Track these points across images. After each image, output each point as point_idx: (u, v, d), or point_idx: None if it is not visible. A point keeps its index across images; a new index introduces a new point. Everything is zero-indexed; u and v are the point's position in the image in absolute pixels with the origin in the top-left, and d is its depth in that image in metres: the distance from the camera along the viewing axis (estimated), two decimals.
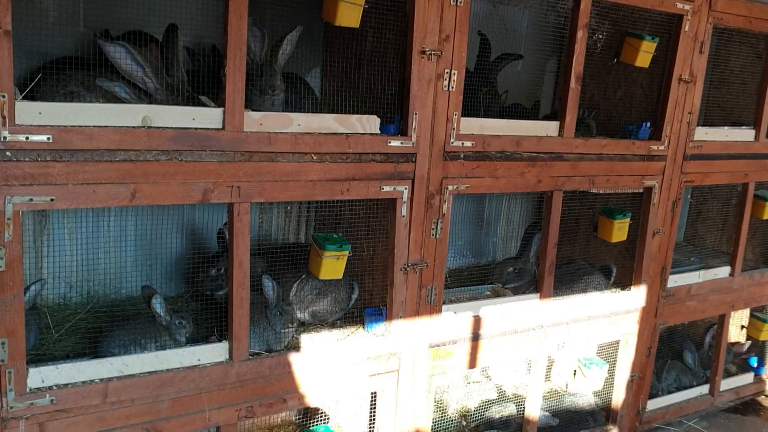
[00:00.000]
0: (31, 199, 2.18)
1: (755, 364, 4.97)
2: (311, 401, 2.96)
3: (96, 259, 3.08)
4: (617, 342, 4.08)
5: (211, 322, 2.92)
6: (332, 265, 2.90)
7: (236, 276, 2.63)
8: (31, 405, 2.30)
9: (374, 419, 3.25)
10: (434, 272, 3.14)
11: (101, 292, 3.18)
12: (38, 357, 2.57)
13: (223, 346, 2.69)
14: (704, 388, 4.64)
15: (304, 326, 3.17)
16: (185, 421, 2.63)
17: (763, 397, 5.10)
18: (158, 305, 2.72)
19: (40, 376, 2.33)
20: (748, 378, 4.91)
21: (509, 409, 4.00)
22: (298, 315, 3.10)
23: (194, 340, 2.80)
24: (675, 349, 4.69)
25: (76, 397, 2.38)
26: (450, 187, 3.05)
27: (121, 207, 3.10)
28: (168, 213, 3.23)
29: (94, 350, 2.65)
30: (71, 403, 2.37)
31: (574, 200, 3.68)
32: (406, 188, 2.93)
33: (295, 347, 2.96)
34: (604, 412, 4.23)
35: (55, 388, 2.35)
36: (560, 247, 3.56)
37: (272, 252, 3.19)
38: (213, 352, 2.67)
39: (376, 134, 2.82)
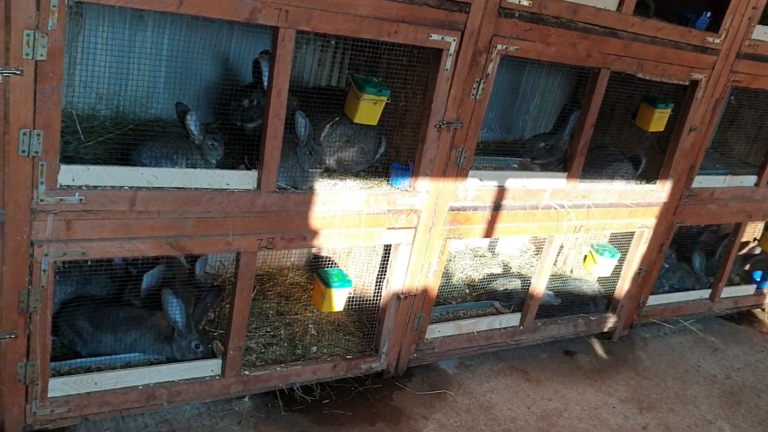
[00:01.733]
0: None
1: (758, 278, 5.02)
2: (328, 243, 2.99)
3: (128, 74, 3.01)
4: (632, 234, 4.09)
5: (239, 153, 2.90)
6: (369, 110, 2.84)
7: (273, 105, 2.57)
8: (60, 201, 2.31)
9: (384, 271, 3.30)
10: (468, 134, 3.08)
11: (130, 108, 3.14)
12: (69, 158, 2.56)
13: (252, 174, 2.67)
14: (705, 293, 4.71)
15: (329, 172, 3.15)
16: (208, 241, 2.66)
17: (759, 310, 5.20)
18: (192, 122, 2.68)
19: (71, 174, 2.32)
20: (749, 289, 4.98)
21: (513, 284, 4.07)
22: (325, 160, 3.07)
23: (222, 167, 2.78)
24: (684, 251, 4.72)
25: (104, 200, 2.39)
26: (499, 47, 2.94)
27: (158, 20, 2.99)
28: (205, 35, 3.12)
29: (121, 162, 2.64)
30: (99, 206, 2.38)
31: (616, 83, 3.56)
32: (454, 40, 2.82)
33: (322, 188, 2.95)
34: (605, 300, 4.31)
35: (84, 188, 2.35)
36: (594, 130, 3.49)
37: (306, 91, 3.12)
38: (242, 179, 2.66)
39: None
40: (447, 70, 2.88)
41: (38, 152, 2.20)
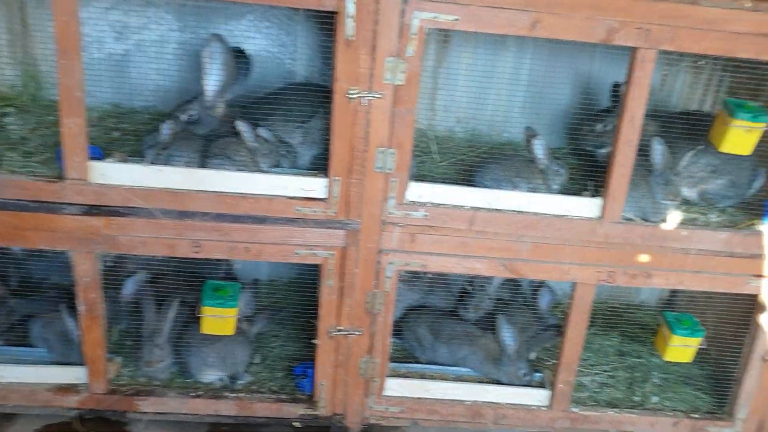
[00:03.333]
0: (436, 17, 2.21)
1: None
2: (679, 284, 2.69)
3: (486, 97, 3.10)
4: None
5: (586, 179, 2.77)
6: (740, 138, 2.48)
7: (625, 131, 2.40)
8: (407, 215, 2.47)
9: (749, 324, 2.84)
10: None
11: (485, 131, 3.23)
12: (418, 177, 2.73)
13: (596, 202, 2.53)
14: None
15: (688, 204, 2.83)
16: (543, 267, 2.60)
17: None
18: (539, 147, 2.65)
19: (418, 191, 2.47)
20: None
21: None
22: (684, 191, 2.77)
23: (565, 192, 2.70)
24: None
25: (446, 217, 2.49)
26: None
27: (518, 45, 3.03)
28: (565, 58, 3.07)
29: (468, 182, 2.72)
30: (440, 222, 2.49)
31: None
32: None
33: (675, 222, 2.67)
34: None
35: (429, 205, 2.48)
36: None
37: (668, 115, 2.85)
38: (584, 207, 2.54)
39: None
40: None
41: (391, 169, 2.39)
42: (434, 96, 3.14)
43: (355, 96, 2.27)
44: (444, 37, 3.01)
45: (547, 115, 3.21)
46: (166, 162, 2.40)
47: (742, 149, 2.52)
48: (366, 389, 2.74)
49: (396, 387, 2.77)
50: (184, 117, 2.55)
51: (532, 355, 3.11)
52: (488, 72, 3.09)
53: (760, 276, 2.67)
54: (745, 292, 2.76)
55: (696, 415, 2.94)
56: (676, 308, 3.43)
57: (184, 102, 2.63)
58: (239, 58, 2.63)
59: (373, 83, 2.27)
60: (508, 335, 2.82)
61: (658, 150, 2.63)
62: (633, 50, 2.31)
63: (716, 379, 3.12)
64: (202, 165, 2.44)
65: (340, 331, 2.61)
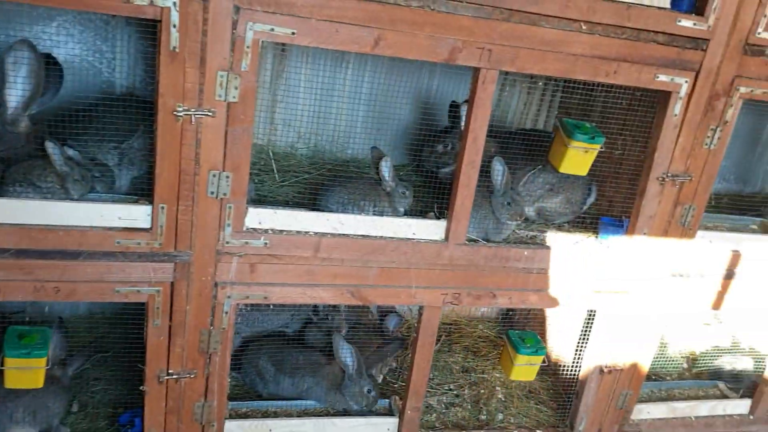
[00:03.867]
0: (272, 29, 2.02)
1: None
2: (523, 304, 2.68)
3: (327, 113, 2.95)
4: None
5: (430, 199, 2.70)
6: (578, 159, 2.51)
7: (468, 152, 2.34)
8: (246, 244, 2.25)
9: (587, 338, 2.91)
10: (697, 190, 2.63)
11: (327, 148, 3.09)
12: (258, 199, 2.53)
13: (441, 224, 2.46)
14: None
15: (527, 223, 2.86)
16: (390, 292, 2.49)
17: None
18: (386, 169, 2.55)
19: (258, 217, 2.26)
20: None
21: (744, 363, 3.45)
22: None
23: (411, 213, 2.61)
24: None
25: (289, 245, 2.30)
26: (742, 89, 2.47)
27: (359, 60, 2.92)
28: (405, 75, 3.00)
29: (312, 203, 2.56)
30: (283, 251, 2.30)
31: None
32: (686, 81, 2.41)
33: (515, 242, 2.66)
34: None
35: (270, 232, 2.28)
36: None
37: (507, 134, 2.86)
38: (429, 229, 2.46)
39: (664, 8, 2.30)
40: (675, 115, 2.47)
41: (226, 194, 2.16)
42: (273, 110, 2.94)
43: (182, 114, 2.02)
44: (281, 48, 2.83)
45: (390, 132, 3.12)
46: None
47: (579, 169, 2.56)
48: None
49: (235, 429, 2.54)
50: None
51: (380, 377, 3.00)
52: (329, 86, 2.95)
53: (597, 292, 2.73)
54: (585, 308, 2.83)
55: (540, 430, 2.97)
56: (517, 321, 3.47)
57: None
58: (48, 65, 2.28)
59: (203, 100, 2.03)
60: (345, 353, 2.68)
61: (499, 170, 2.62)
62: (475, 70, 2.26)
63: (556, 392, 3.18)
64: (0, 193, 2.08)
65: (170, 374, 2.33)
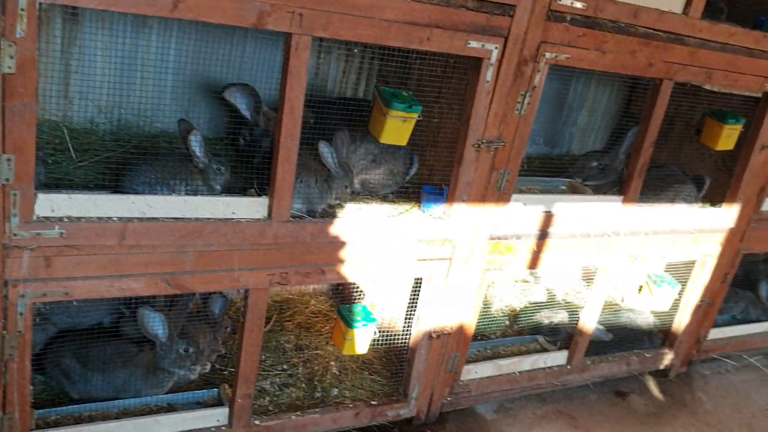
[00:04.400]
0: None
1: None
2: (351, 277, 2.63)
3: (130, 83, 2.69)
4: (693, 262, 3.65)
5: (250, 176, 2.56)
6: (397, 128, 2.48)
7: (286, 124, 2.22)
8: (38, 235, 1.99)
9: (415, 306, 2.94)
10: (510, 154, 2.70)
11: (133, 121, 2.82)
12: (53, 183, 2.25)
13: (263, 202, 2.33)
14: None
15: (352, 194, 2.80)
16: (211, 277, 2.33)
17: None
18: (196, 144, 2.36)
19: (50, 204, 2.01)
20: None
21: (560, 317, 3.67)
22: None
23: (229, 191, 2.45)
24: (749, 278, 4.25)
25: (90, 233, 2.07)
26: (548, 55, 2.55)
27: (163, 24, 2.68)
28: (216, 39, 2.80)
29: (115, 186, 2.32)
30: (83, 240, 2.06)
31: (678, 95, 3.14)
32: (496, 48, 2.44)
33: (342, 216, 2.60)
34: (661, 334, 3.87)
35: (66, 220, 2.03)
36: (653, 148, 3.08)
37: (327, 104, 2.77)
38: (250, 207, 2.32)
39: None
40: (488, 82, 2.50)
41: (9, 180, 1.89)
42: (67, 82, 2.64)
43: None
44: (72, 13, 2.53)
45: (204, 102, 2.92)
46: None
47: (399, 139, 2.53)
48: None
49: None
50: None
51: (207, 366, 2.83)
52: (131, 53, 2.68)
53: (422, 260, 2.74)
54: (410, 276, 2.84)
55: (375, 402, 2.97)
56: (349, 294, 3.44)
57: None
58: None
59: None
60: (154, 322, 2.51)
61: (327, 152, 2.54)
62: (287, 36, 2.13)
63: (390, 362, 3.19)
64: None
65: None
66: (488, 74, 2.49)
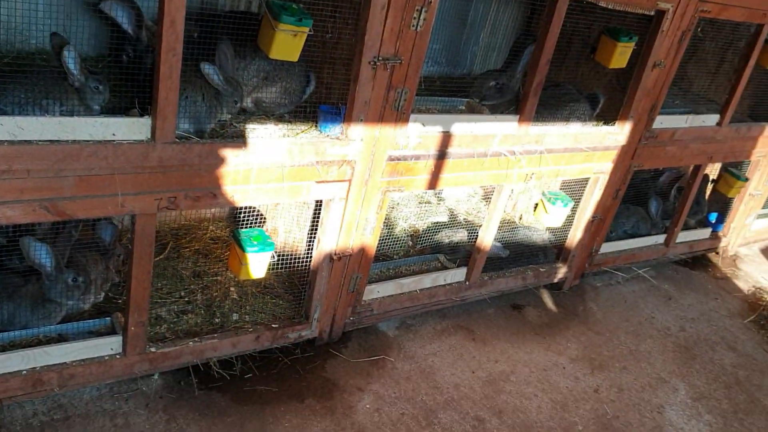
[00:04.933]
0: None
1: (714, 220, 4.81)
2: (246, 201, 2.57)
3: None
4: (586, 180, 3.77)
5: (133, 95, 2.41)
6: (288, 43, 2.38)
7: (166, 38, 2.09)
8: None
9: (315, 229, 2.91)
10: (408, 73, 2.66)
11: (5, 38, 2.59)
12: None
13: (145, 122, 2.21)
14: (660, 238, 4.48)
15: (245, 114, 2.70)
16: (93, 203, 2.22)
17: (714, 254, 5.01)
18: (70, 60, 2.18)
19: None
20: (704, 233, 4.77)
21: (460, 235, 3.74)
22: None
23: (111, 111, 2.30)
24: (638, 195, 4.44)
25: None
26: None
27: None
28: None
29: None
30: None
31: (575, 13, 3.15)
32: None
33: (233, 136, 2.51)
34: (555, 250, 4.02)
35: None
36: (549, 67, 3.10)
37: (213, 17, 2.62)
38: (132, 128, 2.20)
39: None
40: None
41: None
42: None
43: None
44: None
45: (84, 18, 2.70)
46: None
47: (290, 54, 2.43)
48: None
49: None
50: None
51: (101, 295, 2.73)
52: None
53: (321, 182, 2.69)
54: (309, 199, 2.79)
55: (276, 325, 2.96)
56: (249, 219, 3.37)
57: None
58: None
59: None
60: (40, 252, 2.40)
61: (211, 71, 2.40)
62: None
63: (291, 285, 3.18)
64: None
65: None
66: None
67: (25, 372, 2.39)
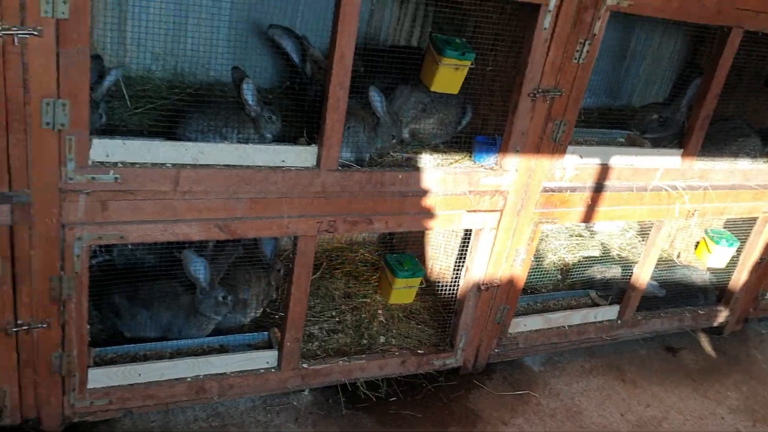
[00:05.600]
0: None
1: None
2: (400, 227, 2.63)
3: (185, 29, 2.69)
4: (754, 219, 3.52)
5: (302, 124, 2.55)
6: (449, 76, 2.43)
7: (336, 72, 2.20)
8: (93, 180, 2.04)
9: (464, 257, 2.92)
10: (567, 105, 2.62)
11: (188, 70, 2.84)
12: (110, 129, 2.29)
13: (312, 150, 2.33)
14: None
15: (401, 144, 2.78)
16: (262, 224, 2.36)
17: None
18: (248, 92, 2.36)
19: (105, 149, 2.05)
20: None
21: (613, 271, 3.61)
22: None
23: (281, 139, 2.46)
24: None
25: (144, 179, 2.11)
26: (609, 2, 2.44)
27: None
28: None
29: (169, 133, 2.35)
30: (137, 185, 2.11)
31: (747, 44, 2.97)
32: None
33: (391, 165, 2.59)
34: (717, 291, 3.78)
35: (120, 165, 2.08)
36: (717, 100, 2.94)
37: (378, 52, 2.73)
38: (300, 156, 2.33)
39: None
40: (545, 29, 2.42)
41: (64, 125, 1.93)
42: (124, 29, 2.66)
43: (1, 33, 1.75)
44: None
45: (259, 50, 2.90)
46: None
47: (451, 87, 2.49)
48: (64, 386, 2.31)
49: (100, 377, 2.39)
50: None
51: (260, 310, 2.89)
52: (186, 0, 2.68)
53: (472, 211, 2.71)
54: (460, 228, 2.81)
55: (421, 351, 2.99)
56: (397, 244, 3.45)
57: None
58: None
59: (26, 17, 1.77)
60: (197, 266, 2.56)
61: (377, 99, 2.50)
62: None
63: (437, 312, 3.20)
64: None
65: (20, 326, 2.13)
66: (546, 21, 2.41)
67: (189, 379, 2.56)
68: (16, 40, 1.77)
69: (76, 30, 1.83)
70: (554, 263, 3.76)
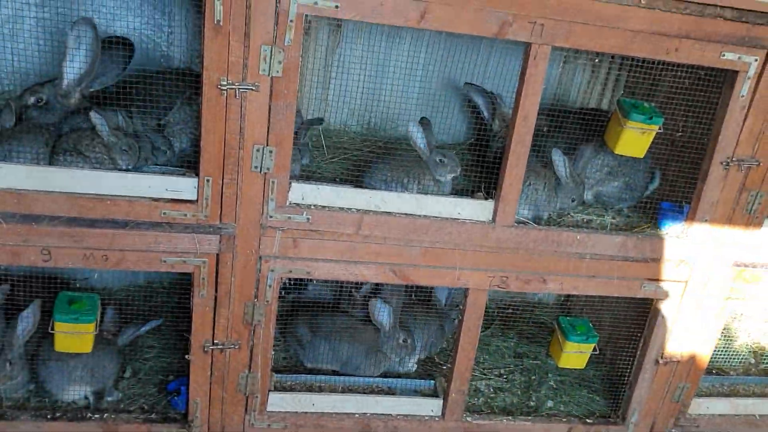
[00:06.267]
0: (315, 3, 2.00)
1: None
2: (575, 290, 2.60)
3: (381, 89, 2.92)
4: None
5: (481, 178, 2.64)
6: (634, 139, 2.40)
7: (518, 130, 2.27)
8: (289, 219, 2.27)
9: (642, 327, 2.80)
10: (765, 176, 2.47)
11: (380, 125, 3.06)
12: (306, 175, 2.53)
13: (488, 205, 2.40)
14: None
15: (583, 205, 2.76)
16: (433, 273, 2.46)
17: None
18: (418, 135, 2.44)
19: (301, 192, 2.27)
20: None
21: None
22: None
23: (458, 192, 2.56)
24: None
25: (331, 221, 2.30)
26: None
27: (415, 34, 2.87)
28: (463, 48, 2.93)
29: (356, 181, 2.55)
30: (325, 226, 2.31)
31: None
32: (755, 60, 2.26)
33: (569, 225, 2.58)
34: None
35: (312, 207, 2.29)
36: None
37: (563, 113, 2.76)
38: (476, 209, 2.41)
39: None
40: (743, 96, 2.32)
41: (270, 169, 2.18)
42: (327, 86, 2.94)
43: (226, 87, 2.04)
44: (336, 24, 2.81)
45: (446, 109, 3.06)
46: (7, 157, 2.11)
47: (636, 151, 2.45)
48: (246, 406, 2.53)
49: (279, 402, 2.58)
50: (31, 100, 2.25)
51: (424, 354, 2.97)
52: (383, 62, 2.91)
53: (654, 280, 2.61)
54: (639, 296, 2.71)
55: (590, 420, 2.89)
56: (573, 307, 3.38)
57: (35, 84, 2.32)
58: (118, 45, 2.35)
59: (247, 74, 2.05)
60: (383, 313, 2.71)
61: (560, 161, 2.54)
62: (526, 46, 2.18)
63: (610, 382, 3.08)
64: (51, 161, 2.16)
65: (215, 345, 2.39)
66: (744, 88, 2.31)
67: (357, 415, 2.68)
68: (237, 93, 2.06)
69: (287, 87, 2.08)
70: (747, 345, 3.46)
